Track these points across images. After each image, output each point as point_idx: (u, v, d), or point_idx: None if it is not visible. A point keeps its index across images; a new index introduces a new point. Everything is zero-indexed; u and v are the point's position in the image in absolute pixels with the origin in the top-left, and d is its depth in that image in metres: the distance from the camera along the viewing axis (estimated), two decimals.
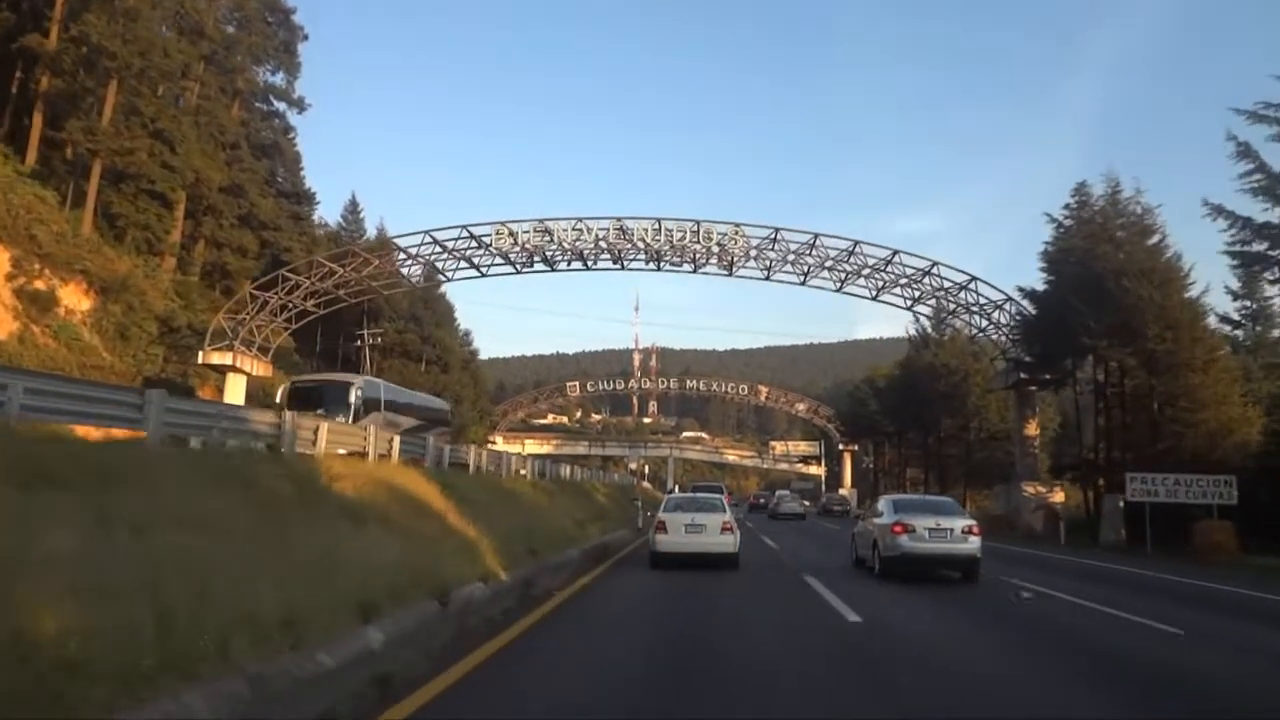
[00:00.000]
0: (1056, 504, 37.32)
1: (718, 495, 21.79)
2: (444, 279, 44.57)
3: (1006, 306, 39.31)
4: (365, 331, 58.90)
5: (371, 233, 66.70)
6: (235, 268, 55.97)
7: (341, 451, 17.56)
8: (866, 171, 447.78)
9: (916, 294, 41.30)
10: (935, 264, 39.60)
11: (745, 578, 15.46)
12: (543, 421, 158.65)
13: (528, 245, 40.27)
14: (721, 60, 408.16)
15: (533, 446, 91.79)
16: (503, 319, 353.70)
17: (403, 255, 41.59)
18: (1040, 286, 36.14)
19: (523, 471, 31.09)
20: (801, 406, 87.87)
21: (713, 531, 16.00)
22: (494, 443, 77.41)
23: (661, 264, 41.87)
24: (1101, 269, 30.63)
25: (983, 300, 39.94)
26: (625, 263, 41.89)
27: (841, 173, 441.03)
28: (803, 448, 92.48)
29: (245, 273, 54.82)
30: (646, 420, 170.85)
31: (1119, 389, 33.15)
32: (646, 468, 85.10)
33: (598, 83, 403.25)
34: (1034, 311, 36.56)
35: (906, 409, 52.61)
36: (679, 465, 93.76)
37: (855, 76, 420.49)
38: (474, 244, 40.75)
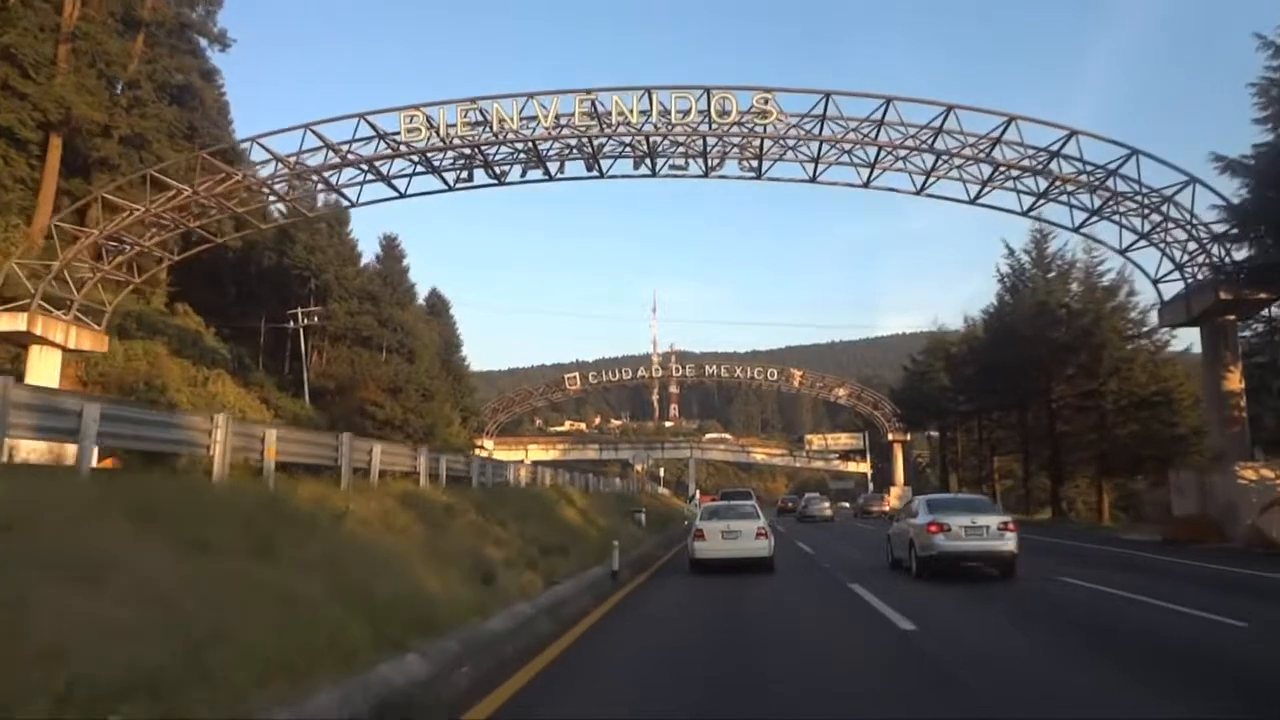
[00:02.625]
0: None
1: (750, 502, 21.03)
2: (343, 201, 29.88)
3: (1182, 199, 24.09)
4: (299, 311, 44.66)
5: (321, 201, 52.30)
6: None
7: None
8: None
9: (1040, 188, 26.13)
10: (1073, 134, 24.40)
11: None
12: (560, 429, 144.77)
13: (456, 140, 25.70)
14: None
15: (537, 452, 77.61)
16: (519, 324, 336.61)
17: (276, 165, 26.95)
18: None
19: (407, 472, 16.41)
20: (841, 392, 72.17)
21: (748, 537, 15.13)
22: (483, 448, 62.87)
23: (657, 165, 27.09)
24: None
25: (1144, 189, 24.72)
26: (603, 165, 27.14)
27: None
28: (844, 441, 76.83)
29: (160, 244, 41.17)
30: (668, 424, 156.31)
31: None
32: (663, 471, 70.34)
33: None
34: (1245, 189, 21.41)
35: (995, 377, 37.12)
36: (701, 467, 78.73)
37: None
38: (382, 145, 26.28)
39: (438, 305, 73.57)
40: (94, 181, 40.90)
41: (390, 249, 54.05)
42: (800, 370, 74.77)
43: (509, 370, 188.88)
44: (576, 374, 78.09)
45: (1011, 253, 38.11)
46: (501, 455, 60.45)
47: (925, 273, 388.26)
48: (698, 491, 62.31)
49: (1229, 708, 5.89)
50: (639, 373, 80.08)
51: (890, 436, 65.42)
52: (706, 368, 76.61)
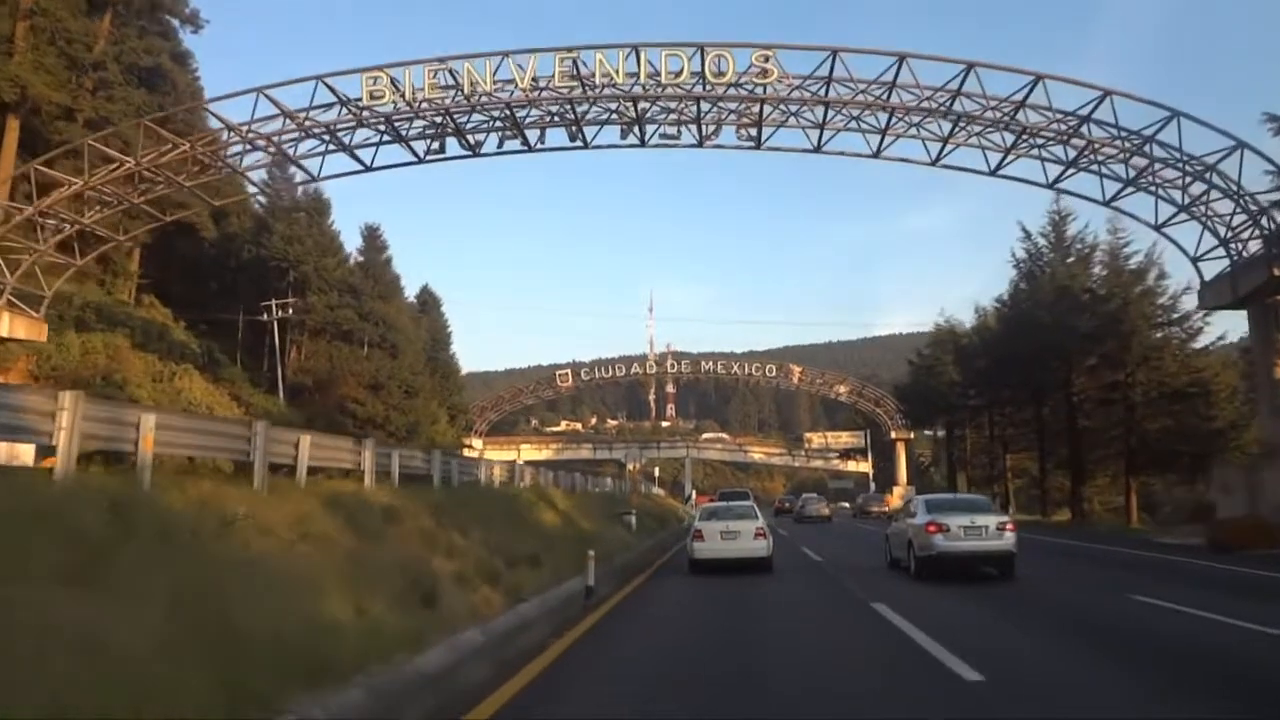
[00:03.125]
0: None
1: (748, 502, 21.19)
2: (305, 175, 27.20)
3: (1227, 166, 21.48)
4: (273, 303, 41.94)
5: (298, 177, 49.03)
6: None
7: None
8: None
9: (1069, 157, 23.49)
10: (1107, 94, 21.78)
11: None
12: (556, 429, 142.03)
13: (425, 106, 23.04)
14: None
15: (529, 452, 74.99)
16: (516, 326, 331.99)
17: (230, 135, 24.28)
18: None
19: (350, 470, 13.85)
20: (842, 389, 69.53)
21: (746, 537, 15.06)
22: (471, 447, 60.21)
23: (646, 134, 24.46)
24: None
25: (1185, 156, 22.10)
26: (587, 134, 24.49)
27: None
28: (844, 439, 74.15)
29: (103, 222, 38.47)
30: (665, 423, 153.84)
31: None
32: (658, 471, 67.66)
33: None
34: None
35: (1009, 369, 34.45)
36: (697, 467, 76.05)
37: None
38: (343, 112, 23.63)
39: (429, 302, 71.04)
40: (56, 166, 38.28)
41: (372, 239, 51.34)
42: (800, 367, 72.10)
43: (505, 371, 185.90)
44: (569, 370, 75.35)
45: (1028, 235, 35.48)
46: (492, 455, 57.81)
47: (924, 273, 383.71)
48: (694, 492, 59.77)
49: None
50: (633, 369, 77.36)
51: (893, 434, 62.78)
52: (703, 365, 73.99)
